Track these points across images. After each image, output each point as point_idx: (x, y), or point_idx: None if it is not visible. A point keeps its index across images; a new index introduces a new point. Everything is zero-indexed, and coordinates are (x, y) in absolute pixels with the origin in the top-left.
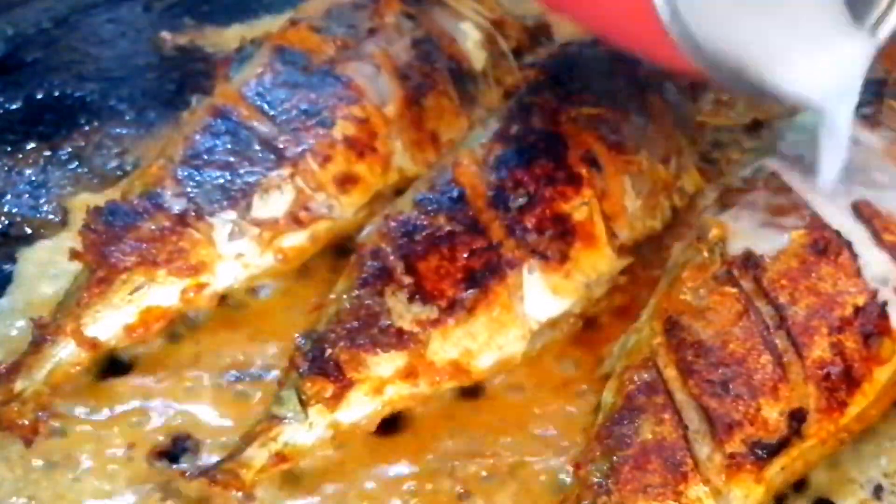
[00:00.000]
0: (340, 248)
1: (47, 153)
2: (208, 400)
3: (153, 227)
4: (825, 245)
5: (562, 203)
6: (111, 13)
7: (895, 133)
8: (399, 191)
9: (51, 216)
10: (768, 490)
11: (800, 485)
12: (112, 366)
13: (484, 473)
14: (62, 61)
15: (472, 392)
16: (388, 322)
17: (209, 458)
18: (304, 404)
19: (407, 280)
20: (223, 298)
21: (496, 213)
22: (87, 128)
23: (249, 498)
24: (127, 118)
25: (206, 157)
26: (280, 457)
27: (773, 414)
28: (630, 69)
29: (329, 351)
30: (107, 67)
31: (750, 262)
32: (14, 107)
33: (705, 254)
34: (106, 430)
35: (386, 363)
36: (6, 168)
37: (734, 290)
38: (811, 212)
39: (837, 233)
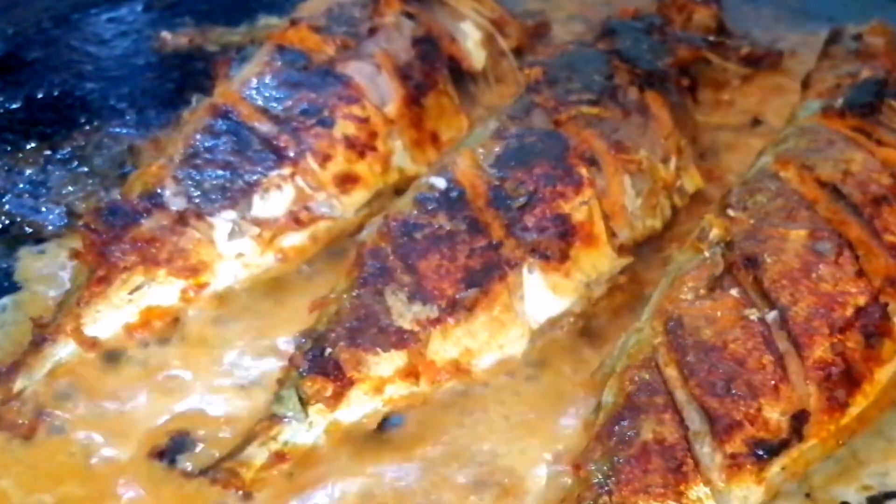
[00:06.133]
0: (340, 248)
1: (47, 153)
2: (207, 399)
3: (153, 226)
4: (826, 245)
5: (562, 203)
6: (111, 13)
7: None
8: (399, 191)
9: (51, 216)
10: (768, 490)
11: None
12: (109, 363)
13: (483, 474)
14: (62, 61)
15: (470, 391)
16: (389, 321)
17: (208, 456)
18: (304, 403)
19: (407, 279)
20: (223, 297)
21: (496, 213)
22: (87, 128)
23: (248, 497)
24: (127, 118)
25: (206, 156)
26: (280, 456)
27: (774, 414)
28: (630, 69)
29: (329, 350)
30: (107, 67)
31: (751, 262)
32: (14, 106)
33: (706, 254)
34: (104, 429)
35: (386, 362)
36: (6, 168)
37: (735, 290)
38: (812, 212)
39: (838, 233)
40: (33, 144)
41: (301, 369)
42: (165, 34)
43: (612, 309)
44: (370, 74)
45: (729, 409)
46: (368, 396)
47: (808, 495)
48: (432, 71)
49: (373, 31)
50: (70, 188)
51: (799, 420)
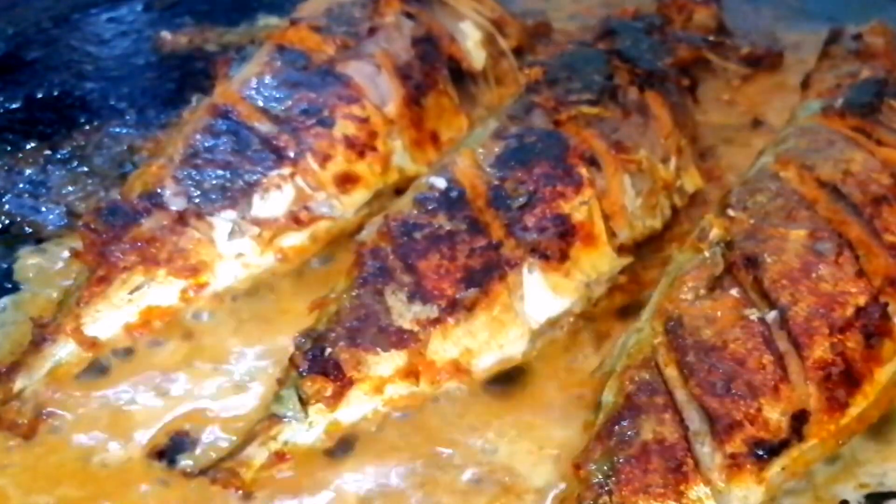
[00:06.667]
0: (340, 248)
1: (47, 153)
2: (207, 399)
3: (153, 226)
4: (826, 245)
5: (562, 203)
6: (111, 13)
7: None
8: (399, 191)
9: (51, 216)
10: (768, 490)
11: None
12: (109, 363)
13: (483, 474)
14: (62, 61)
15: (470, 391)
16: (388, 321)
17: (208, 456)
18: (304, 403)
19: (407, 279)
20: (223, 297)
21: (496, 213)
22: (87, 127)
23: (248, 497)
24: (127, 118)
25: (206, 156)
26: (280, 456)
27: (774, 414)
28: (630, 69)
29: (329, 350)
30: (107, 67)
31: (751, 262)
32: (14, 106)
33: (706, 254)
34: (104, 430)
35: (386, 362)
36: (6, 168)
37: (735, 290)
38: (812, 212)
39: (838, 233)
40: (33, 144)
41: (301, 369)
42: (165, 34)
43: (612, 309)
44: (370, 74)
45: (729, 408)
46: (368, 396)
47: (815, 494)
48: (432, 71)
49: (373, 31)
50: (70, 188)
51: (799, 420)
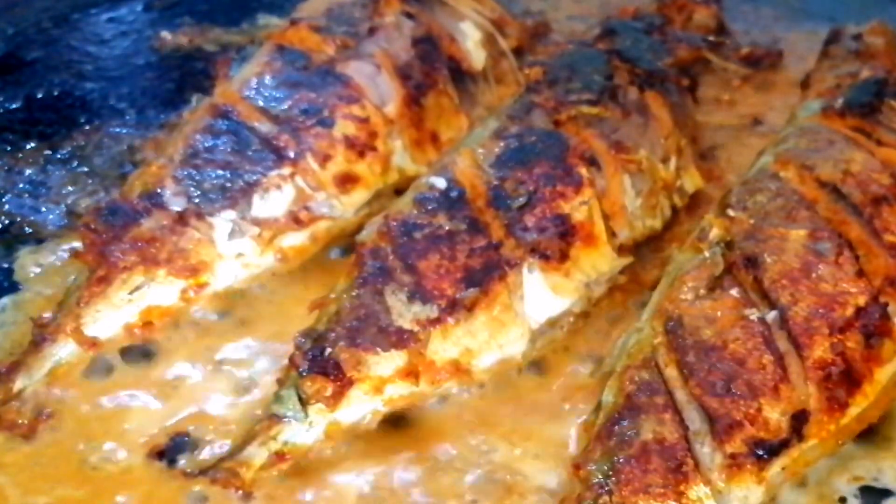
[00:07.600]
0: (340, 248)
1: (47, 153)
2: (207, 399)
3: (153, 226)
4: (826, 245)
5: (562, 202)
6: (111, 13)
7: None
8: (399, 191)
9: (51, 216)
10: (768, 490)
11: None
12: (109, 364)
13: (483, 474)
14: (62, 61)
15: (470, 391)
16: (388, 321)
17: (208, 456)
18: (303, 403)
19: (407, 279)
20: (223, 297)
21: (496, 213)
22: (87, 127)
23: (248, 497)
24: (127, 118)
25: (206, 156)
26: (280, 456)
27: (774, 414)
28: (630, 69)
29: (329, 350)
30: (107, 67)
31: (751, 262)
32: (14, 106)
33: (706, 254)
34: (104, 430)
35: (386, 362)
36: (6, 168)
37: (735, 290)
38: (812, 212)
39: (838, 233)
40: (33, 144)
41: (301, 369)
42: (165, 34)
43: (612, 309)
44: (370, 74)
45: (729, 408)
46: (368, 396)
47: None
48: (432, 71)
49: (373, 31)
50: (70, 188)
51: (799, 420)
